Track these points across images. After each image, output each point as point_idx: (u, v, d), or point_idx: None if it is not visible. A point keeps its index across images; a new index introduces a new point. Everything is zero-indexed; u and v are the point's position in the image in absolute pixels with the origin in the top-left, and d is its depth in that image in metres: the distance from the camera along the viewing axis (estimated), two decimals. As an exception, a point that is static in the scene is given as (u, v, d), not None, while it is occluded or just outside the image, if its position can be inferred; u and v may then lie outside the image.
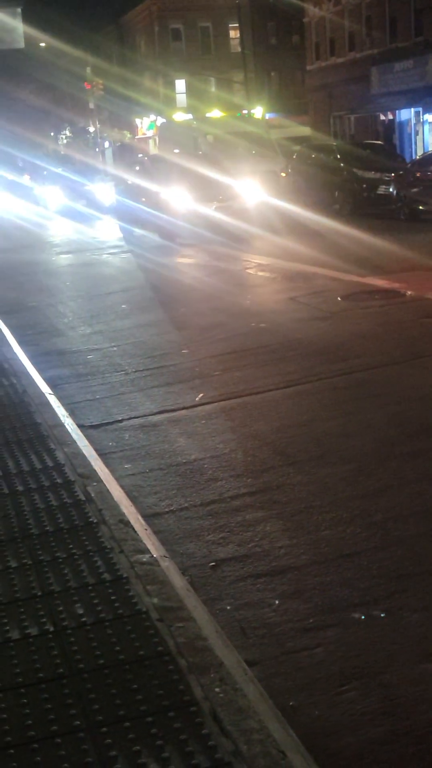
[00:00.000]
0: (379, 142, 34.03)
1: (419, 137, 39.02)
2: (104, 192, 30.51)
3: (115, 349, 9.96)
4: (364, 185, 24.90)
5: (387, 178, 24.31)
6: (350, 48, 44.72)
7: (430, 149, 34.34)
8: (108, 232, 25.47)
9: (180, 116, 43.87)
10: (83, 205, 30.35)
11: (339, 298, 11.59)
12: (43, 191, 31.01)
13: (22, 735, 2.98)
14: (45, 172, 34.72)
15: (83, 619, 3.70)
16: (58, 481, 5.32)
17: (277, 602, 4.16)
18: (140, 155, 68.81)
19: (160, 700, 3.11)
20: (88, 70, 68.73)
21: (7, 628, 3.69)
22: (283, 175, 27.98)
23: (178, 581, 4.04)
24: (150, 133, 68.84)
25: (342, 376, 7.89)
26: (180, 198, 21.31)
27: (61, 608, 3.81)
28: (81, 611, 3.76)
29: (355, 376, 7.87)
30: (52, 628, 3.65)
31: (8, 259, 20.06)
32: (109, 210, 29.07)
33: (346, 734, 3.24)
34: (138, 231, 23.25)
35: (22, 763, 2.84)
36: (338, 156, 26.78)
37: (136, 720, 3.01)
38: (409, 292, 11.71)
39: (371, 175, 25.05)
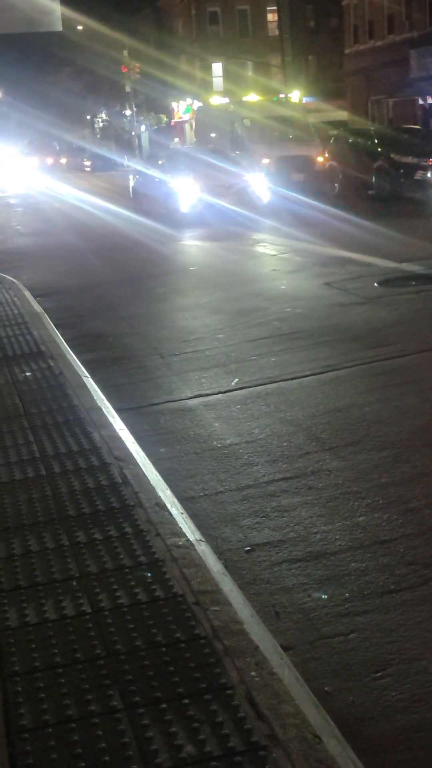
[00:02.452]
0: (418, 126, 33.66)
1: (458, 122, 38.60)
2: (260, 185, 23.32)
3: (150, 333, 9.97)
4: (401, 170, 24.66)
5: (424, 164, 24.08)
6: (389, 31, 44.26)
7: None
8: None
9: (216, 100, 43.71)
10: (230, 202, 21.90)
11: (375, 284, 11.53)
12: (177, 184, 21.69)
13: (60, 714, 3.02)
14: (180, 158, 24.54)
15: (120, 601, 3.72)
16: (95, 463, 5.35)
17: (324, 596, 4.17)
18: (175, 139, 68.88)
19: (196, 682, 3.13)
20: (125, 53, 68.56)
21: (45, 608, 3.72)
22: (321, 159, 27.81)
23: (213, 565, 4.06)
24: (186, 117, 68.69)
25: (378, 362, 7.86)
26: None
27: (97, 590, 3.84)
28: (118, 593, 3.79)
29: (392, 362, 7.83)
30: (89, 609, 3.68)
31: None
32: (266, 211, 22.18)
33: (381, 720, 3.24)
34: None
35: (59, 742, 2.87)
36: (375, 140, 26.55)
37: (173, 702, 3.03)
38: (447, 279, 11.62)
39: (408, 160, 24.80)
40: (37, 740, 2.90)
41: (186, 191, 21.52)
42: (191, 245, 18.66)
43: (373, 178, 25.47)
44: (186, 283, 13.41)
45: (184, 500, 5.12)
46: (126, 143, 77.58)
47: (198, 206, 21.33)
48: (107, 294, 12.88)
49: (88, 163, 74.59)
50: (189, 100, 66.74)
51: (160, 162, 24.39)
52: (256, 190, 22.84)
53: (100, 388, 7.18)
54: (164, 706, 3.02)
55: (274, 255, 15.55)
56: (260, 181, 23.12)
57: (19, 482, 5.17)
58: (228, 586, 3.87)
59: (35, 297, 11.98)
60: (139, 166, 26.21)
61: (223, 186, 21.96)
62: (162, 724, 2.92)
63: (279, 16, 51.52)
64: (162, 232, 19.87)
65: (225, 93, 58.37)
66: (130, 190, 26.40)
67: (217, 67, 68.05)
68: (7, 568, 4.12)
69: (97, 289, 13.42)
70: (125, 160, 73.59)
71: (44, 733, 2.93)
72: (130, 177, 26.45)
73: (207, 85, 65.70)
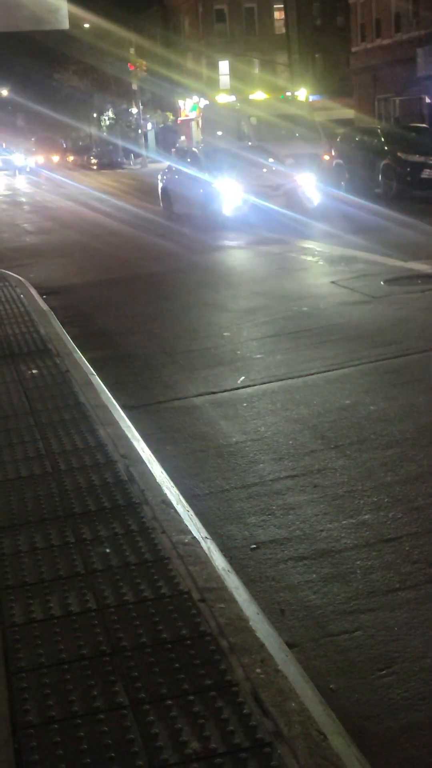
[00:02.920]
0: (424, 125, 33.62)
1: (465, 120, 38.57)
2: (311, 185, 20.96)
3: (156, 330, 9.98)
4: (408, 169, 24.64)
5: (431, 162, 24.05)
6: (396, 29, 44.25)
7: None
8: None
9: (223, 98, 43.72)
10: (279, 205, 19.72)
11: (381, 283, 11.52)
12: (220, 184, 19.33)
13: (66, 710, 3.03)
14: (220, 155, 22.14)
15: (125, 598, 3.73)
16: (101, 460, 5.36)
17: (323, 599, 4.17)
18: (182, 138, 68.78)
19: (201, 679, 3.14)
20: (132, 51, 68.57)
21: (51, 605, 3.74)
22: (326, 157, 27.78)
23: (219, 562, 4.07)
24: (193, 115, 68.61)
25: (384, 360, 7.86)
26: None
27: (103, 587, 3.85)
28: (123, 590, 3.80)
29: (397, 360, 7.83)
30: (94, 606, 3.69)
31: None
32: (318, 214, 20.02)
33: (386, 718, 3.25)
34: None
35: (65, 738, 2.89)
36: (382, 139, 26.52)
37: (178, 698, 3.04)
38: (453, 277, 11.60)
39: (416, 158, 24.78)
40: (42, 736, 2.91)
41: (229, 192, 19.39)
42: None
43: (380, 177, 25.45)
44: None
45: (190, 498, 5.12)
46: (133, 141, 77.57)
47: (242, 209, 19.32)
48: (115, 294, 12.89)
49: (94, 161, 74.63)
50: (196, 98, 66.69)
51: (192, 159, 21.98)
52: (307, 191, 20.64)
53: (106, 386, 7.19)
54: (170, 702, 3.02)
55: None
56: (311, 182, 20.94)
57: (25, 479, 5.18)
58: (233, 584, 3.88)
59: (41, 295, 12.00)
60: (173, 163, 23.07)
61: (270, 186, 19.88)
62: (167, 721, 2.93)
63: (286, 14, 51.62)
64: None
65: (232, 91, 58.44)
66: (159, 189, 23.61)
67: (224, 65, 68.12)
68: (13, 564, 4.13)
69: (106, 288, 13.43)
70: (132, 158, 73.65)
71: (50, 729, 2.94)
72: (159, 176, 23.92)
73: (213, 83, 65.72)
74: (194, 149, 23.22)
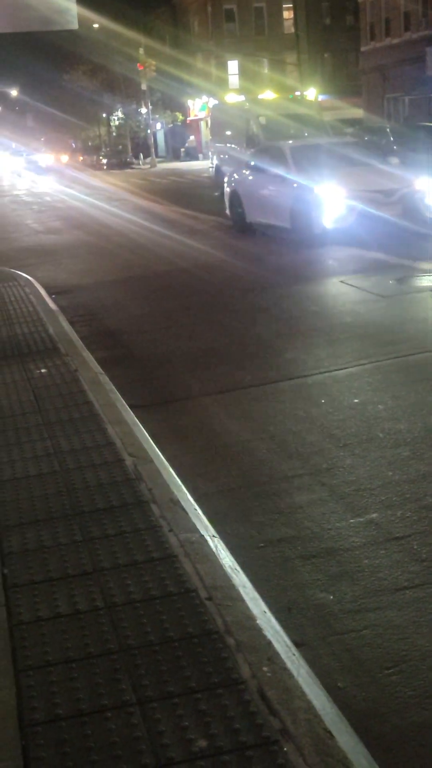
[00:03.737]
0: (434, 124, 33.54)
1: None
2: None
3: (164, 330, 9.99)
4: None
5: (441, 161, 24.01)
6: (405, 28, 44.17)
7: None
8: None
9: (232, 98, 43.77)
10: (394, 215, 15.62)
11: (391, 282, 11.50)
12: (320, 190, 15.13)
13: (73, 708, 3.03)
14: (315, 154, 17.44)
15: (133, 596, 3.74)
16: (109, 459, 5.37)
17: (331, 597, 4.17)
18: (191, 137, 68.67)
19: (208, 677, 3.14)
20: (141, 51, 68.63)
21: (58, 603, 3.74)
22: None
23: (227, 561, 4.07)
24: (202, 115, 68.72)
25: (392, 359, 7.85)
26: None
27: (111, 585, 3.85)
28: (131, 588, 3.81)
29: (406, 359, 7.82)
30: (102, 604, 3.70)
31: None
32: None
33: (393, 717, 3.24)
34: None
35: (72, 735, 2.89)
36: (391, 138, 26.50)
37: (185, 696, 3.04)
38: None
39: (425, 158, 24.74)
40: (49, 733, 2.91)
41: (330, 198, 15.25)
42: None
43: (389, 176, 25.39)
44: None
45: (198, 496, 5.12)
46: (142, 141, 77.67)
47: (347, 219, 15.21)
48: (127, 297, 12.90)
49: (104, 160, 74.68)
50: (205, 98, 66.76)
51: (275, 157, 17.53)
52: (427, 197, 16.24)
53: (114, 385, 7.20)
54: (176, 700, 3.03)
55: None
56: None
57: (33, 477, 5.19)
58: (240, 582, 3.88)
59: (50, 295, 12.02)
60: (250, 159, 18.87)
61: (382, 192, 15.66)
62: (174, 718, 2.93)
63: (295, 14, 51.61)
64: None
65: (241, 91, 58.43)
66: (226, 194, 19.41)
67: (233, 65, 68.09)
68: (21, 562, 4.14)
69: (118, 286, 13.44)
70: (141, 158, 73.72)
71: (57, 727, 2.94)
72: (226, 178, 19.88)
73: (223, 83, 65.72)
74: (279, 145, 18.36)
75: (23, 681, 3.21)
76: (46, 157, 74.58)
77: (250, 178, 18.38)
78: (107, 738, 2.87)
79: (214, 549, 4.15)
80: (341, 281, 11.90)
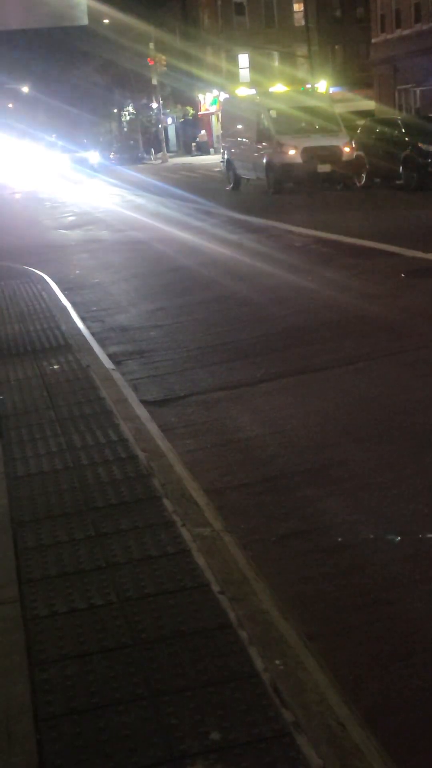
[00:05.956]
0: (445, 115, 33.37)
1: None
2: None
3: (177, 325, 10.01)
4: (429, 159, 24.51)
5: (453, 153, 23.89)
6: (416, 19, 43.94)
7: None
8: None
9: (243, 91, 43.63)
10: None
11: (402, 275, 11.49)
12: None
13: (87, 701, 3.07)
14: None
15: (146, 591, 3.77)
16: (122, 455, 5.40)
17: (343, 591, 4.18)
18: (202, 132, 68.44)
19: (221, 671, 3.17)
20: (151, 45, 68.56)
21: (73, 598, 3.78)
22: (347, 149, 27.68)
23: (239, 555, 4.09)
24: (213, 109, 68.64)
25: (404, 353, 7.84)
26: None
27: (124, 579, 3.89)
28: (144, 582, 3.84)
29: (418, 353, 7.82)
30: (115, 599, 3.73)
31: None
32: None
33: (405, 710, 3.25)
34: None
35: (86, 728, 2.93)
36: (403, 130, 26.38)
37: (198, 690, 3.07)
38: None
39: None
40: (64, 727, 2.95)
41: None
42: None
43: (401, 168, 25.33)
44: None
45: (210, 491, 5.15)
46: (153, 136, 77.65)
47: None
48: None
49: (111, 156, 74.31)
50: (215, 92, 66.65)
51: None
52: None
53: (126, 381, 7.23)
54: (189, 693, 3.06)
55: None
56: None
57: (47, 473, 5.23)
58: (253, 576, 3.91)
59: (62, 291, 12.06)
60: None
61: None
62: (187, 712, 2.96)
63: (305, 6, 51.50)
64: None
65: (251, 84, 58.24)
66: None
67: (243, 58, 67.94)
68: (36, 558, 4.18)
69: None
70: (152, 153, 73.69)
71: (72, 720, 2.98)
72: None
73: (233, 77, 65.56)
74: None
75: (38, 675, 3.25)
76: (94, 154, 62.42)
77: None
78: (121, 731, 2.90)
79: (226, 544, 4.18)
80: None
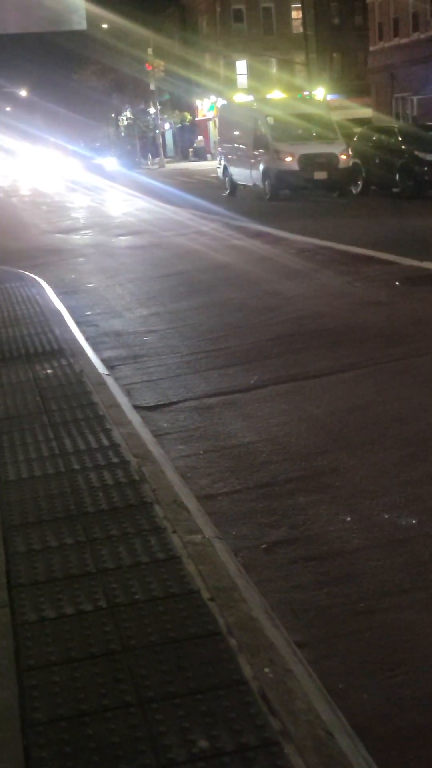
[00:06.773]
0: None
1: None
2: None
3: (171, 330, 10.00)
4: (426, 167, 24.57)
5: (450, 161, 23.96)
6: (414, 28, 44.13)
7: None
8: None
9: (240, 97, 43.69)
10: None
11: (397, 283, 11.50)
12: None
13: (74, 708, 3.05)
14: None
15: (136, 597, 3.75)
16: (114, 460, 5.39)
17: (333, 599, 4.17)
18: (199, 137, 68.51)
19: (210, 678, 3.15)
20: (150, 51, 68.66)
21: (62, 603, 3.76)
22: (344, 157, 27.73)
23: (230, 562, 4.08)
24: (210, 115, 68.73)
25: (397, 360, 7.84)
26: None
27: (114, 585, 3.87)
28: (134, 589, 3.82)
29: (411, 361, 7.82)
30: (105, 605, 3.71)
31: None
32: None
33: (395, 719, 3.24)
34: None
35: (73, 736, 2.91)
36: (400, 138, 26.46)
37: (186, 697, 3.05)
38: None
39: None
40: (51, 734, 2.93)
41: None
42: None
43: (397, 176, 25.38)
44: None
45: (202, 498, 5.14)
46: (150, 141, 77.70)
47: None
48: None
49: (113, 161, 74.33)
50: (213, 98, 66.76)
51: None
52: None
53: (119, 386, 7.21)
54: (178, 701, 3.04)
55: None
56: None
57: (38, 478, 5.21)
58: (244, 583, 3.89)
59: (57, 295, 12.04)
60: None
61: None
62: (175, 719, 2.94)
63: (303, 14, 51.62)
64: None
65: (249, 90, 58.43)
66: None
67: (242, 65, 68.10)
68: (25, 563, 4.16)
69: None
70: (149, 159, 73.74)
71: (58, 727, 2.96)
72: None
73: (231, 83, 65.71)
74: None
75: (26, 681, 3.23)
76: (110, 160, 61.13)
77: None
78: (108, 738, 2.88)
79: (217, 550, 4.16)
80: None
